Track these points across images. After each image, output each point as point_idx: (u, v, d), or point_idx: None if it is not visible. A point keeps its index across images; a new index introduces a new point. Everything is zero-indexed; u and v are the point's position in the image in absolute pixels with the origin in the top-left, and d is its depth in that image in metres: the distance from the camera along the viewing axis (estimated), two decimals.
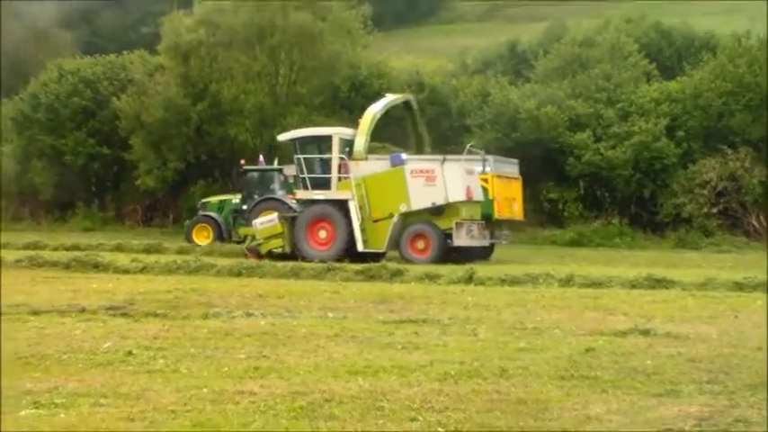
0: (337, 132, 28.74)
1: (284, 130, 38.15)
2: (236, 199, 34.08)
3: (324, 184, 27.88)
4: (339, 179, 27.65)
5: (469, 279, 20.49)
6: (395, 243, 27.10)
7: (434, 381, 10.03)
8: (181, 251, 28.43)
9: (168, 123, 40.15)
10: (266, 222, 27.94)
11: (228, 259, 24.47)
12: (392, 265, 21.97)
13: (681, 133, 38.87)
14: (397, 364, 10.86)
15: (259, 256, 27.05)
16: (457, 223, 26.76)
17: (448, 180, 26.79)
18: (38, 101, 44.73)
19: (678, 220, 38.12)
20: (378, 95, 41.04)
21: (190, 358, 11.10)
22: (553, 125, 38.52)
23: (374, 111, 29.24)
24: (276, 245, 27.60)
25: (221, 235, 32.72)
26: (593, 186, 39.97)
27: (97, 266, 22.96)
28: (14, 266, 23.10)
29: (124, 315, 14.78)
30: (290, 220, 27.81)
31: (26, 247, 28.90)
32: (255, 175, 34.15)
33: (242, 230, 30.23)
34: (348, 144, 28.16)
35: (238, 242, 30.07)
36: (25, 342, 12.09)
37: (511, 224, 32.36)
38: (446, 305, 16.43)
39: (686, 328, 13.73)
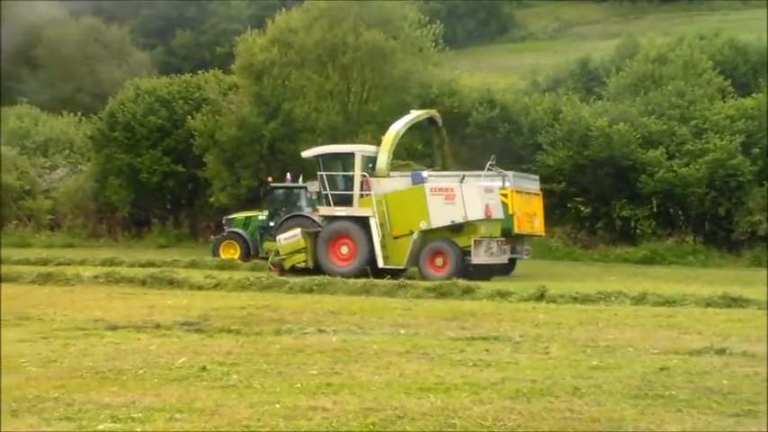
0: (360, 149, 28.95)
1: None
2: (261, 215, 34.28)
3: (346, 201, 28.12)
4: (361, 196, 27.88)
5: (541, 296, 20.39)
6: (415, 260, 27.25)
7: (506, 398, 10.02)
8: (254, 268, 28.64)
9: (241, 141, 40.50)
10: (289, 238, 28.21)
11: (301, 276, 24.61)
12: (463, 283, 21.94)
13: (756, 150, 38.33)
14: (468, 382, 10.87)
15: (282, 270, 27.40)
16: (475, 241, 26.85)
17: (467, 198, 26.88)
18: (115, 120, 45.41)
19: (754, 238, 37.54)
20: (450, 113, 41.29)
21: (263, 374, 11.21)
22: (625, 142, 38.16)
23: (397, 128, 29.48)
24: (299, 260, 27.90)
25: (248, 251, 32.92)
26: (666, 204, 39.47)
27: (172, 283, 23.25)
28: (92, 282, 23.48)
29: (198, 331, 14.96)
30: (313, 236, 28.13)
31: (103, 263, 29.36)
32: (282, 192, 34.39)
33: (266, 245, 30.76)
34: (371, 161, 28.35)
35: (265, 258, 30.23)
36: (102, 357, 12.31)
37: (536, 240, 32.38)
38: (517, 322, 16.38)
39: (763, 347, 13.52)
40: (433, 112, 32.57)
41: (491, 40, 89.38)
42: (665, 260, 35.89)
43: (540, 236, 32.72)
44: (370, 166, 28.21)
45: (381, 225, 27.40)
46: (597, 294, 20.47)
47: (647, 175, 37.86)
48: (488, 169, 29.98)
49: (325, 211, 28.80)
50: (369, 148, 29.18)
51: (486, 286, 21.74)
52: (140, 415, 9.10)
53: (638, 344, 13.86)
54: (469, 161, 40.17)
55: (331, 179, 28.42)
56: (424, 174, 28.37)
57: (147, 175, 43.65)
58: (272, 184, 34.56)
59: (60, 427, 8.75)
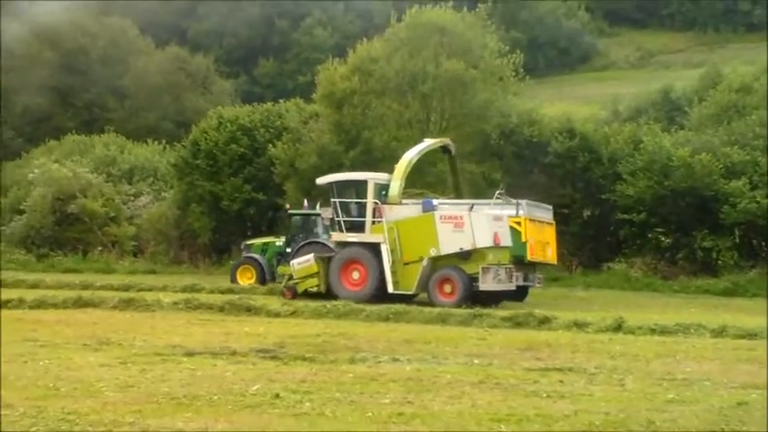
0: (373, 177, 29.74)
1: (435, 177, 38.54)
2: (279, 241, 34.86)
3: (358, 227, 28.93)
4: (373, 222, 28.61)
5: (618, 328, 20.22)
6: (424, 286, 27.82)
7: (579, 431, 9.95)
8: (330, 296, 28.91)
9: (321, 170, 40.53)
10: (303, 262, 29.09)
11: (377, 305, 24.68)
12: (539, 312, 21.84)
13: None
14: (541, 413, 10.82)
15: (295, 294, 28.30)
16: (483, 268, 27.32)
17: (475, 226, 27.46)
18: (198, 148, 46.01)
19: None
20: (528, 143, 41.19)
21: (335, 402, 11.27)
22: (707, 173, 37.63)
23: (410, 156, 30.27)
24: (312, 284, 28.75)
25: (264, 277, 33.51)
26: (748, 235, 38.80)
27: (249, 310, 23.51)
28: (172, 309, 23.78)
29: (274, 358, 15.07)
30: (326, 261, 28.90)
31: (184, 289, 29.76)
32: (299, 219, 34.95)
33: (280, 269, 31.68)
34: (383, 188, 29.12)
35: (281, 283, 30.80)
36: (178, 383, 12.46)
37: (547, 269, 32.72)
38: (593, 354, 16.25)
39: None
40: (447, 141, 33.18)
41: (572, 69, 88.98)
42: (748, 292, 35.19)
43: (552, 264, 33.04)
44: (383, 193, 28.96)
45: (392, 251, 28.08)
46: (676, 326, 20.23)
47: (730, 205, 37.26)
48: (497, 198, 30.54)
49: (337, 236, 29.59)
50: (381, 176, 29.95)
51: (562, 316, 21.59)
52: None
53: (716, 377, 13.68)
54: (548, 190, 40.06)
55: (344, 206, 29.37)
56: (435, 202, 29.04)
57: (228, 202, 44.09)
58: (289, 212, 35.37)
59: None
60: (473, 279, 27.31)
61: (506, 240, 28.38)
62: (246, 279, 33.54)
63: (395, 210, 28.62)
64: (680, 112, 49.92)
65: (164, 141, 56.59)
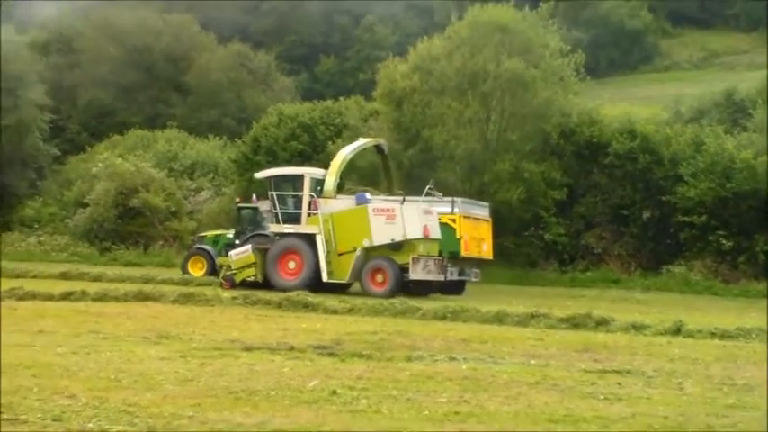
0: (308, 172, 31.17)
1: (494, 176, 38.50)
2: (230, 234, 35.65)
3: (294, 219, 30.01)
4: (309, 215, 29.71)
5: (677, 331, 20.01)
6: (357, 275, 29.13)
7: None
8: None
9: (380, 167, 40.85)
10: (240, 253, 30.06)
11: (433, 302, 24.67)
12: (597, 314, 21.69)
13: None
14: (598, 415, 10.77)
15: (233, 284, 29.13)
16: (413, 258, 28.65)
17: (406, 219, 28.79)
18: (258, 144, 46.40)
19: None
20: (589, 144, 40.96)
21: (392, 400, 11.29)
22: None
23: (345, 153, 31.90)
24: (249, 274, 29.78)
25: (213, 268, 34.05)
26: None
27: (307, 306, 23.61)
28: (231, 304, 24.01)
29: (331, 354, 15.12)
30: (263, 252, 29.91)
31: (242, 285, 30.12)
32: (248, 212, 35.56)
33: (219, 260, 32.39)
34: (319, 183, 30.32)
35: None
36: (237, 377, 12.57)
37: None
38: (651, 356, 16.12)
39: None
40: (381, 140, 34.81)
41: (634, 69, 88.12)
42: None
43: (487, 260, 33.82)
44: (318, 188, 30.10)
45: (327, 242, 29.33)
46: (736, 330, 19.97)
47: None
48: (427, 194, 31.74)
49: (275, 228, 30.65)
50: (317, 171, 31.39)
51: (620, 318, 21.44)
52: None
53: None
54: (607, 191, 39.77)
55: (281, 199, 30.44)
56: (368, 195, 30.28)
57: None
58: (238, 205, 36.26)
59: None
60: (404, 269, 28.59)
61: (435, 233, 29.75)
62: (198, 270, 34.52)
63: (330, 203, 29.84)
64: (743, 113, 49.27)
65: (225, 137, 57.13)
